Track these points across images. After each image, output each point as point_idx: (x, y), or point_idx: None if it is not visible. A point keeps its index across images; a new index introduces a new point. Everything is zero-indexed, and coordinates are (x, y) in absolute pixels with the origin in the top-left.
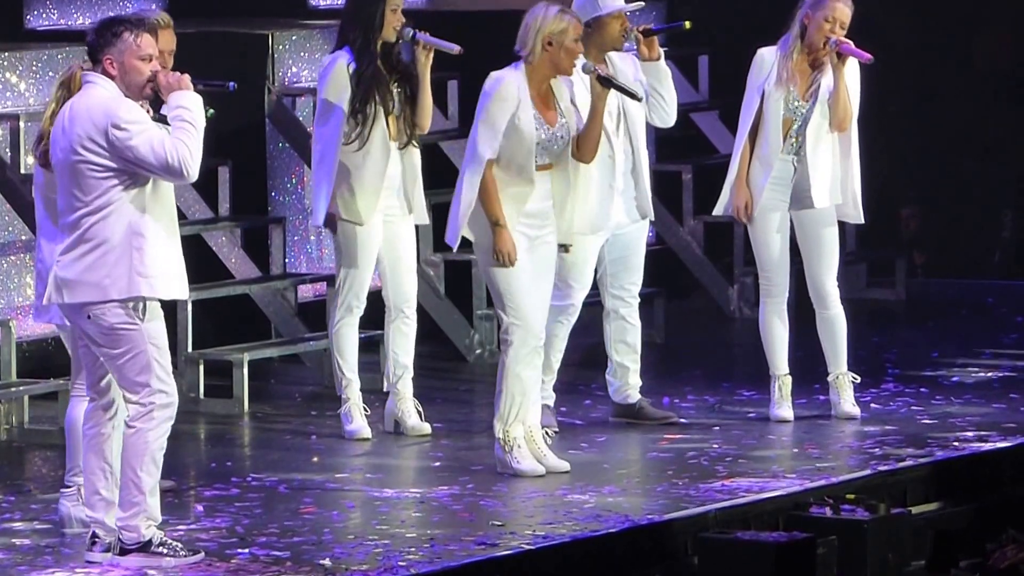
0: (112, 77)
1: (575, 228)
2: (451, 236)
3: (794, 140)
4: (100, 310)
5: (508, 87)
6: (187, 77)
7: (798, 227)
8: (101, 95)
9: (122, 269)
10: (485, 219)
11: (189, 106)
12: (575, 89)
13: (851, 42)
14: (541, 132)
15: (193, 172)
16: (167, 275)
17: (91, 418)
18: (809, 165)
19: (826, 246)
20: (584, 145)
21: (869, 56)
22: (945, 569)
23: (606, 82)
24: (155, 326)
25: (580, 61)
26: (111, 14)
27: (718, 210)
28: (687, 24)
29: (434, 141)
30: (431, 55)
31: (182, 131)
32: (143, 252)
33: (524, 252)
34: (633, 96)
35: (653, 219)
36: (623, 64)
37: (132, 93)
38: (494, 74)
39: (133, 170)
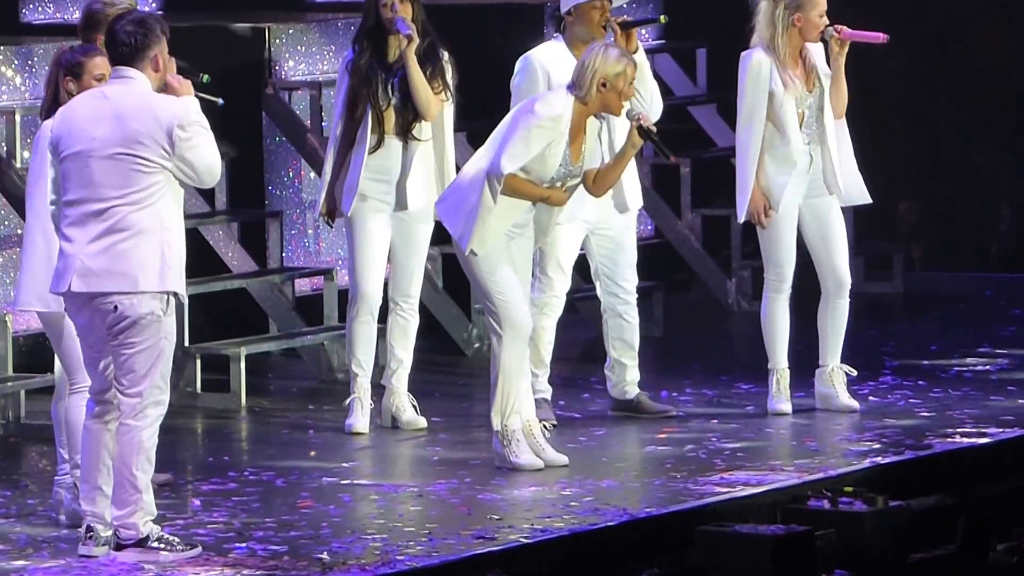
0: (156, 74)
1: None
2: (465, 240)
3: (807, 132)
4: (130, 300)
5: (560, 121)
6: (190, 84)
7: (808, 217)
8: (149, 90)
9: (154, 260)
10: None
11: (201, 114)
12: (608, 123)
13: (855, 31)
14: (563, 168)
15: (218, 176)
16: (182, 272)
17: (93, 414)
18: (830, 151)
19: (841, 233)
20: (601, 182)
21: (882, 36)
22: (982, 554)
23: (645, 133)
24: (172, 322)
25: (627, 105)
26: (142, 11)
27: (741, 217)
28: (663, 18)
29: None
30: (412, 45)
31: (207, 136)
32: (171, 246)
33: (503, 247)
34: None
35: (633, 212)
36: None
37: (156, 91)
38: (551, 99)
39: (179, 172)
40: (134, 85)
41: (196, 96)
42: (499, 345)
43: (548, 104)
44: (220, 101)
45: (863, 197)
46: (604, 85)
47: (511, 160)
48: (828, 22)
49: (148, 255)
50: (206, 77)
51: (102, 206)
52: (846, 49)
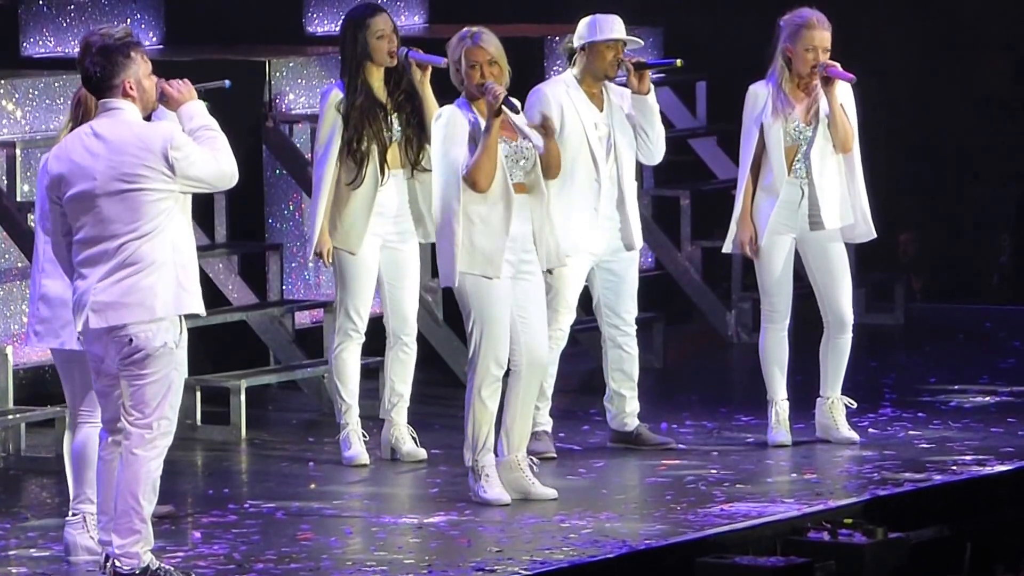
0: (132, 100)
1: (560, 251)
2: (448, 278)
3: (801, 165)
4: (146, 333)
5: (455, 115)
6: (190, 85)
7: (808, 253)
8: (137, 120)
9: (169, 287)
10: (465, 252)
11: (207, 116)
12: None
13: (838, 64)
14: (503, 145)
15: (236, 177)
16: (199, 292)
17: (108, 447)
18: (816, 187)
19: (840, 269)
20: (543, 165)
21: (852, 77)
22: None
23: (498, 110)
24: (183, 353)
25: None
26: (103, 38)
27: (727, 247)
28: (679, 62)
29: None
30: (427, 73)
31: (216, 140)
32: (186, 269)
33: (506, 282)
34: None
35: (638, 249)
36: (616, 96)
37: (145, 111)
38: (438, 111)
39: (189, 189)
40: (121, 116)
41: (203, 89)
42: (472, 378)
43: (437, 115)
44: (227, 83)
45: (869, 232)
46: (459, 67)
47: (455, 163)
48: (824, 61)
49: (161, 282)
50: (228, 83)
51: (114, 244)
52: (835, 85)
